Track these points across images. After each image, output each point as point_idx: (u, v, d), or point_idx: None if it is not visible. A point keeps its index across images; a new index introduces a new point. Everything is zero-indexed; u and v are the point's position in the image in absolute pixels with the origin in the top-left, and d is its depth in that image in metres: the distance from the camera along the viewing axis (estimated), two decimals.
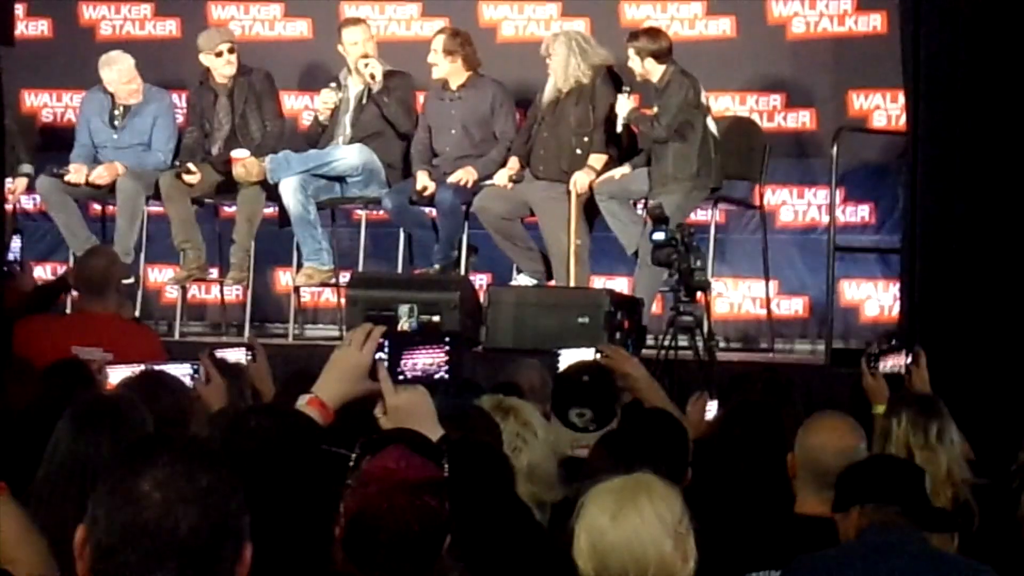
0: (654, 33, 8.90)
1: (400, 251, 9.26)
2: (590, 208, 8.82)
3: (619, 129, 8.79)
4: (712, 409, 5.58)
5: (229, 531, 2.12)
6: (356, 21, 9.53)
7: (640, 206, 8.82)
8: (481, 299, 8.46)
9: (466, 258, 9.06)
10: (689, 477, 4.38)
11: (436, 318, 8.13)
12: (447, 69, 9.13)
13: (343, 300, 8.90)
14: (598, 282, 9.08)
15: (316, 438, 3.10)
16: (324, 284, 9.41)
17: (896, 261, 8.55)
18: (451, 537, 2.80)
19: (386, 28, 10.04)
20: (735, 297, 9.50)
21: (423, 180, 9.04)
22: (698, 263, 7.77)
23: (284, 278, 9.77)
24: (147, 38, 10.32)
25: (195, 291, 9.86)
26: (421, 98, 9.44)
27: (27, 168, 9.58)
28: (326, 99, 9.32)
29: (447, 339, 3.18)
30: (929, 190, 7.73)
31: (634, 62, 8.76)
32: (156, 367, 4.83)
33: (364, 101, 9.28)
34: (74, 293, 7.08)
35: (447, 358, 3.15)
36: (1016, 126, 7.55)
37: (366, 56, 9.24)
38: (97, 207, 9.71)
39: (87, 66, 9.75)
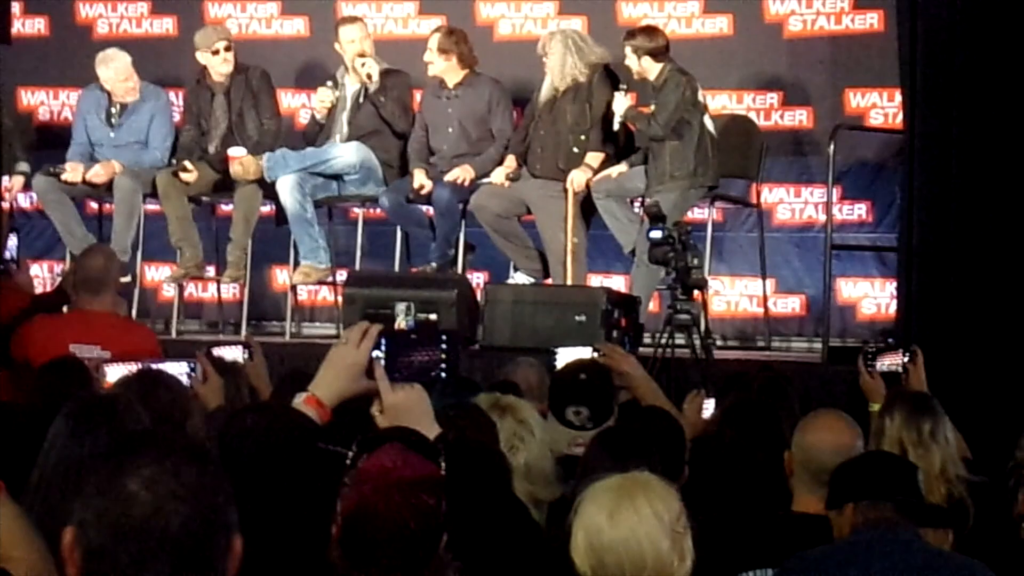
0: (651, 31, 8.90)
1: (397, 249, 9.25)
2: (587, 206, 8.82)
3: (616, 127, 8.79)
4: (709, 407, 5.59)
5: (219, 525, 2.11)
6: (353, 19, 9.53)
7: (637, 204, 8.82)
8: (478, 297, 8.47)
9: (463, 256, 9.06)
10: (686, 475, 4.38)
11: (433, 316, 8.13)
12: (442, 67, 9.13)
13: (340, 298, 8.90)
14: (595, 280, 9.08)
15: (313, 436, 3.10)
16: (321, 282, 9.41)
17: (893, 259, 8.56)
18: (448, 535, 2.80)
19: (383, 26, 10.04)
20: (732, 295, 9.50)
21: (420, 178, 9.04)
22: (695, 261, 7.77)
23: (281, 276, 9.77)
24: (144, 36, 10.32)
25: (192, 289, 9.86)
26: (418, 96, 9.44)
27: (24, 166, 9.58)
28: (323, 97, 9.32)
29: (444, 337, 3.18)
30: (926, 188, 7.73)
31: (631, 60, 8.76)
32: (153, 365, 4.82)
33: (361, 100, 9.28)
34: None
35: (444, 356, 3.15)
36: (1013, 124, 7.56)
37: (363, 55, 9.24)
38: (94, 205, 9.70)
39: (84, 64, 9.74)
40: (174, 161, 9.38)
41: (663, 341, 7.68)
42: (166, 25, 10.37)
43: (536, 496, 4.22)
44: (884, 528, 3.76)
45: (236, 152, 9.26)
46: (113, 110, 9.51)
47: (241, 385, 5.27)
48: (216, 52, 9.33)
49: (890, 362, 5.64)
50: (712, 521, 3.74)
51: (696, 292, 7.80)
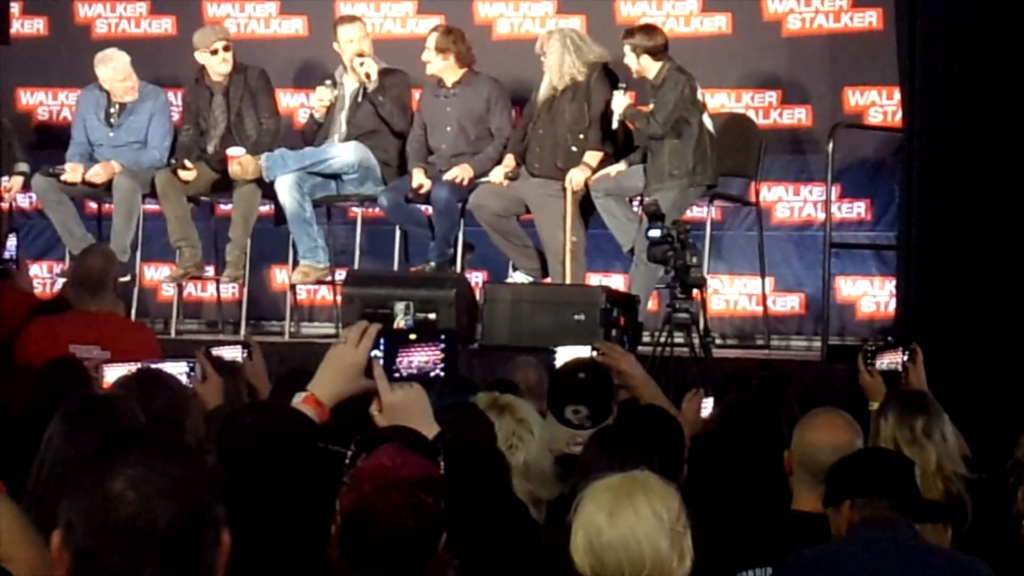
0: (650, 30, 8.90)
1: (396, 249, 9.25)
2: (586, 205, 8.82)
3: (615, 126, 8.79)
4: (708, 406, 5.59)
5: (207, 520, 2.11)
6: (351, 19, 9.53)
7: (636, 203, 8.82)
8: (477, 296, 8.46)
9: (462, 255, 9.06)
10: (685, 474, 4.38)
11: (432, 315, 8.13)
12: (440, 66, 9.13)
13: (339, 298, 8.90)
14: (594, 279, 9.08)
15: (312, 436, 3.10)
16: (320, 282, 9.41)
17: (892, 257, 8.57)
18: (447, 535, 2.80)
19: (381, 25, 10.04)
20: (731, 294, 9.50)
21: (419, 177, 9.04)
22: (694, 260, 7.77)
23: (280, 276, 9.76)
24: (143, 36, 10.32)
25: (191, 289, 9.86)
26: (417, 95, 9.43)
27: (23, 167, 9.57)
28: (322, 97, 9.32)
29: (443, 337, 3.18)
30: (925, 186, 7.73)
31: (630, 59, 8.76)
32: (153, 365, 4.83)
33: (360, 99, 9.28)
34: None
35: (443, 356, 3.15)
36: (1012, 122, 7.56)
37: (361, 54, 9.23)
38: (93, 205, 9.70)
39: (83, 64, 9.74)
40: (173, 161, 9.38)
41: (662, 340, 7.68)
42: (165, 25, 10.36)
43: (535, 495, 4.22)
44: (881, 525, 3.76)
45: (235, 152, 9.25)
46: (112, 110, 9.51)
47: (240, 385, 5.28)
48: (215, 52, 9.33)
49: (890, 360, 5.64)
50: (711, 520, 3.74)
51: (695, 291, 7.80)
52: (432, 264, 8.97)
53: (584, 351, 5.41)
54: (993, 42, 7.55)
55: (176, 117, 9.73)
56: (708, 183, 8.76)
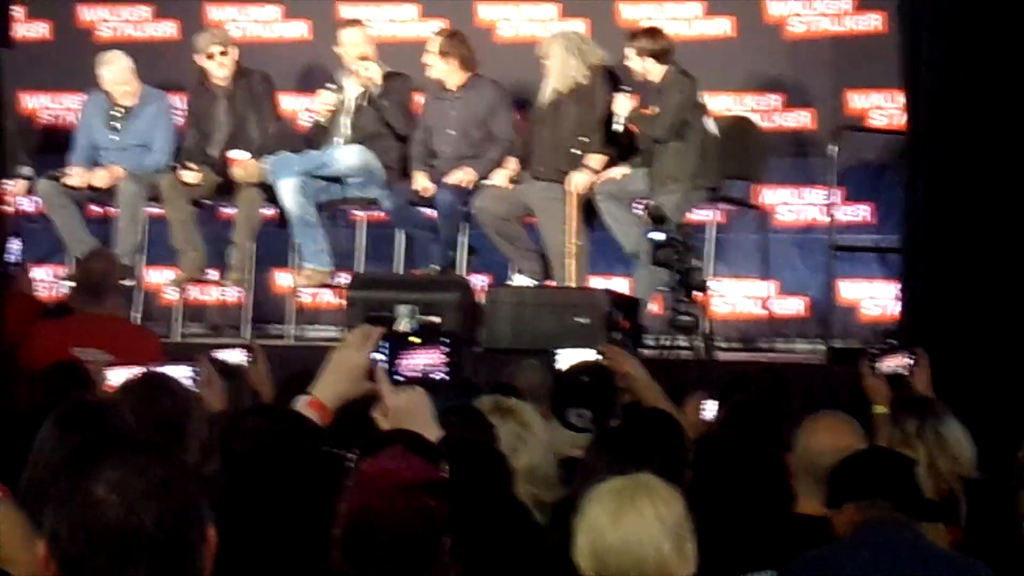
0: (654, 33, 8.90)
1: (399, 252, 9.26)
2: (589, 208, 8.82)
3: (618, 128, 8.79)
4: (711, 409, 5.58)
5: (192, 517, 2.11)
6: (355, 22, 9.54)
7: (639, 206, 8.82)
8: (480, 300, 8.46)
9: (465, 259, 9.06)
10: (688, 477, 4.37)
11: (435, 319, 8.13)
12: (443, 70, 9.14)
13: (343, 301, 8.90)
14: (597, 282, 9.08)
15: (315, 439, 3.10)
16: (323, 285, 9.41)
17: (896, 260, 8.55)
18: (450, 538, 2.80)
19: (385, 29, 10.04)
20: (734, 297, 9.49)
21: (422, 181, 9.05)
22: (697, 263, 7.77)
23: (283, 279, 9.77)
24: (146, 40, 10.32)
25: (195, 292, 9.86)
26: (420, 99, 9.44)
27: (26, 170, 9.58)
28: (325, 100, 9.32)
29: (445, 340, 3.18)
30: (928, 189, 7.73)
31: (634, 62, 8.76)
32: (156, 369, 4.83)
33: (363, 103, 9.29)
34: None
35: (446, 359, 3.15)
36: (1015, 125, 7.55)
37: (365, 58, 9.24)
38: (97, 209, 9.70)
39: (86, 68, 9.74)
40: (176, 164, 9.38)
41: (665, 343, 7.68)
42: (168, 29, 10.37)
43: (539, 498, 4.22)
44: (884, 526, 3.76)
45: (238, 155, 9.26)
46: (115, 113, 9.51)
47: (243, 388, 5.28)
48: (211, 56, 9.34)
49: (893, 364, 5.64)
50: (714, 523, 3.74)
51: (698, 294, 7.80)
52: (435, 267, 8.98)
53: (587, 354, 5.41)
54: (997, 44, 7.54)
55: (180, 121, 9.73)
56: (711, 186, 8.77)
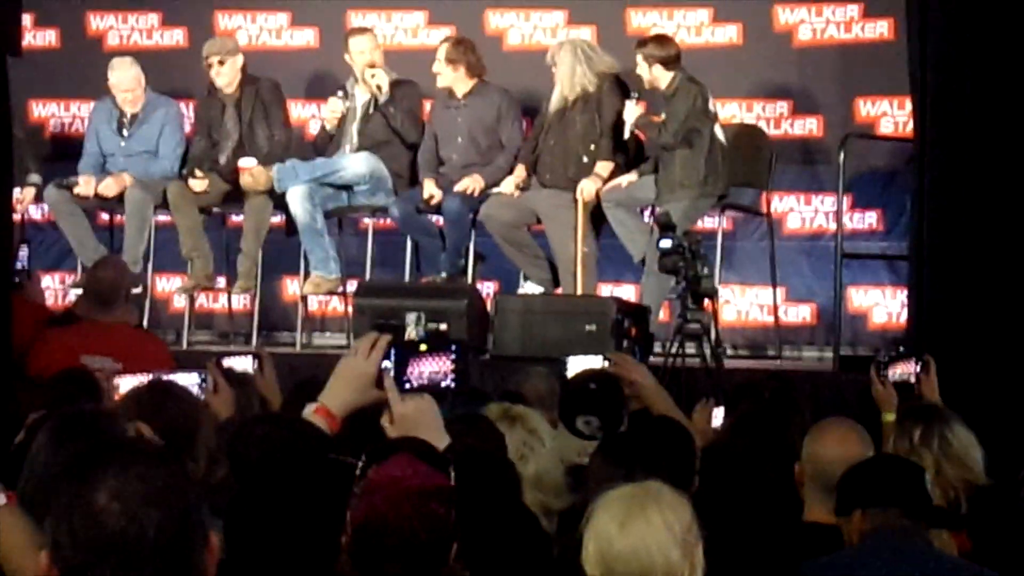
0: (663, 40, 8.90)
1: (407, 259, 9.26)
2: (597, 216, 8.82)
3: (626, 135, 8.79)
4: (719, 416, 5.58)
5: (194, 524, 2.11)
6: (363, 30, 9.54)
7: (647, 213, 8.82)
8: (488, 307, 8.46)
9: (473, 266, 9.06)
10: (697, 485, 4.37)
11: (443, 326, 8.13)
12: (451, 78, 9.14)
13: (350, 309, 8.91)
14: (605, 289, 9.07)
15: (323, 447, 3.10)
16: (331, 293, 9.41)
17: (904, 268, 8.54)
18: (458, 546, 2.79)
19: (393, 37, 10.05)
20: (742, 304, 9.49)
21: (430, 188, 9.05)
22: (705, 270, 7.77)
23: (291, 287, 9.77)
24: (155, 48, 10.34)
25: (203, 300, 9.86)
26: (428, 106, 9.45)
27: (35, 178, 9.60)
28: (333, 108, 9.33)
29: (454, 347, 3.18)
30: (937, 196, 7.71)
31: (642, 69, 8.76)
32: (164, 376, 4.83)
33: (371, 110, 9.30)
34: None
35: (453, 367, 3.15)
36: (1023, 132, 7.54)
37: (373, 65, 9.25)
38: (105, 216, 9.72)
39: (95, 76, 9.76)
40: (185, 172, 9.39)
41: (673, 350, 7.67)
42: (177, 37, 10.38)
43: (546, 506, 4.21)
44: (894, 534, 3.75)
45: (246, 163, 9.27)
46: (124, 120, 9.53)
47: (251, 396, 5.28)
48: (210, 65, 9.36)
49: (902, 371, 5.63)
50: (723, 530, 3.73)
51: (706, 301, 7.79)
52: (443, 275, 8.98)
53: (595, 361, 5.40)
54: (1004, 52, 7.53)
55: (188, 128, 9.75)
56: (719, 193, 8.76)
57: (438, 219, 9.11)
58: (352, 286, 9.06)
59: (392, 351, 3.13)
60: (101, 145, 9.56)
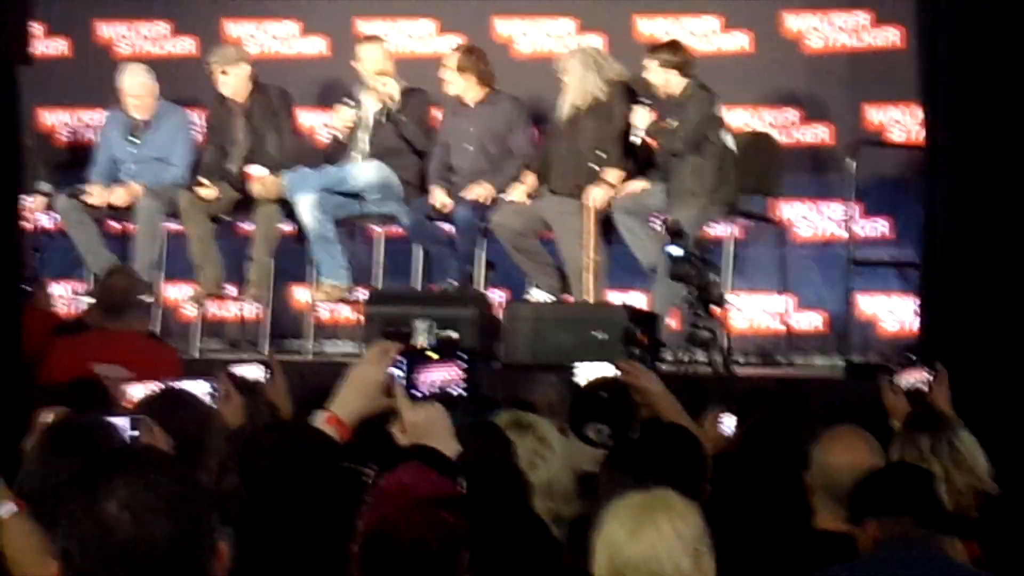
0: (675, 46, 8.90)
1: (417, 267, 9.26)
2: (607, 223, 8.82)
3: (636, 141, 8.79)
4: (729, 424, 5.57)
5: (202, 531, 2.11)
6: (373, 39, 9.55)
7: (657, 221, 8.82)
8: (498, 315, 8.46)
9: (483, 274, 9.07)
10: (707, 493, 4.36)
11: (453, 334, 8.13)
12: (461, 86, 9.15)
13: (360, 316, 8.91)
14: (615, 297, 9.07)
15: (333, 455, 3.10)
16: (342, 301, 9.42)
17: (915, 275, 8.53)
18: (468, 554, 2.79)
19: (403, 45, 10.06)
20: (753, 312, 9.48)
21: (440, 196, 9.06)
22: (715, 278, 7.76)
23: (302, 295, 9.78)
24: (165, 56, 10.35)
25: (213, 308, 9.87)
26: (438, 115, 9.45)
27: (45, 186, 9.61)
28: (343, 116, 9.34)
29: (464, 355, 3.18)
30: (948, 204, 7.71)
31: (655, 75, 8.76)
32: (175, 385, 4.83)
33: (381, 119, 9.30)
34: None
35: (463, 374, 3.15)
36: None
37: (383, 73, 9.26)
38: (116, 225, 9.73)
39: (105, 84, 9.77)
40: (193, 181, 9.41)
41: (683, 358, 7.67)
42: (187, 45, 10.40)
43: (557, 513, 4.21)
44: (907, 543, 3.74)
45: (256, 171, 9.28)
46: (135, 127, 9.55)
47: (261, 404, 5.29)
48: (211, 74, 9.38)
49: (913, 379, 5.62)
50: (733, 538, 3.73)
51: (716, 308, 7.79)
52: (453, 283, 8.98)
53: (605, 369, 5.40)
54: (1015, 59, 7.53)
55: (198, 136, 9.76)
56: (729, 201, 8.76)
57: (448, 227, 9.11)
58: (362, 294, 9.06)
59: (402, 359, 3.13)
60: (112, 152, 9.57)
